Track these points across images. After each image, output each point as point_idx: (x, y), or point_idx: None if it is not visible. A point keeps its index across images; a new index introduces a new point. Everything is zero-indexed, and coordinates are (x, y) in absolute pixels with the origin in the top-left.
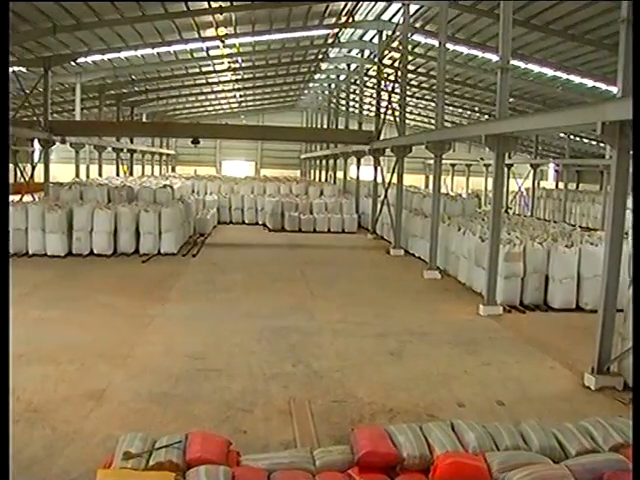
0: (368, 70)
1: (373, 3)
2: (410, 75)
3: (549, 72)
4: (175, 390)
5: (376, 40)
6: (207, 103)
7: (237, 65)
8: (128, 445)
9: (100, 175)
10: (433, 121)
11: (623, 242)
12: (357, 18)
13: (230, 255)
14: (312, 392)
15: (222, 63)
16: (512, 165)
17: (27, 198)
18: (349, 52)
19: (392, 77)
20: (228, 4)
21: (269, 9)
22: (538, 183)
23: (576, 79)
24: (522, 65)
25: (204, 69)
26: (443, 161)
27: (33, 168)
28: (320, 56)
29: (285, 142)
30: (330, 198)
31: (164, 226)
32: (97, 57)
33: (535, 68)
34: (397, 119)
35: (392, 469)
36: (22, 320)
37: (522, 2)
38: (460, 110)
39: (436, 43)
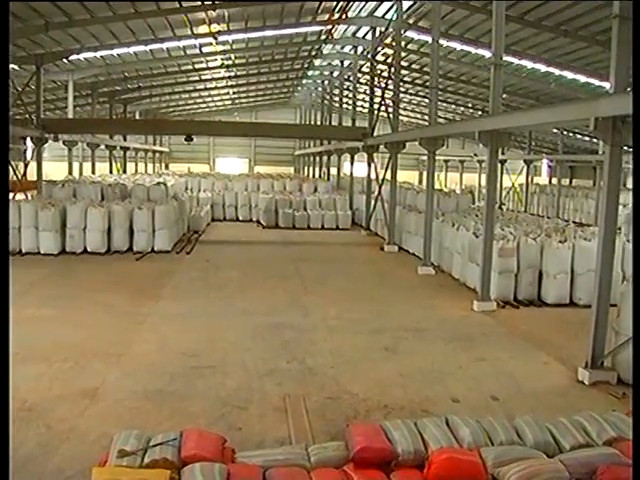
0: (361, 67)
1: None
2: (403, 71)
3: (542, 68)
4: (170, 387)
5: (369, 36)
6: (200, 100)
7: (230, 62)
8: (123, 443)
9: (93, 173)
10: (427, 117)
11: (616, 237)
12: (350, 14)
13: (224, 252)
14: (307, 389)
15: (215, 60)
16: (505, 161)
17: (20, 196)
18: (342, 49)
19: (385, 73)
20: (221, 1)
21: (262, 6)
22: (532, 179)
23: (569, 75)
24: (515, 61)
25: (197, 66)
26: (437, 157)
27: (26, 166)
28: (313, 53)
29: (279, 139)
30: (324, 195)
31: (158, 224)
32: (89, 54)
33: (528, 64)
34: (390, 115)
35: (387, 465)
36: (16, 319)
37: None
38: (453, 106)
39: (429, 39)
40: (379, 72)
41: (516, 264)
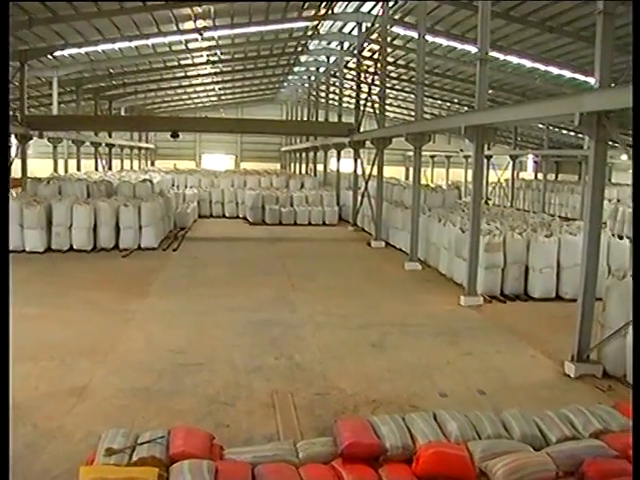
0: (348, 62)
1: None
2: (389, 67)
3: (528, 64)
4: (157, 385)
5: (355, 32)
6: (186, 96)
7: (216, 58)
8: (110, 441)
9: (79, 170)
10: (413, 113)
11: (601, 232)
12: (336, 10)
13: (211, 249)
14: (295, 385)
15: (201, 56)
16: (491, 156)
17: None
18: (328, 44)
19: (372, 69)
20: None
21: (248, 2)
22: (517, 174)
23: (554, 70)
24: (501, 57)
25: (183, 62)
26: (423, 153)
27: (10, 163)
28: (299, 48)
29: (265, 135)
30: (311, 191)
31: (144, 220)
32: (74, 50)
33: (514, 60)
34: (377, 111)
35: (375, 460)
36: None
37: None
38: (440, 102)
39: (415, 35)
40: (365, 68)
41: (502, 259)
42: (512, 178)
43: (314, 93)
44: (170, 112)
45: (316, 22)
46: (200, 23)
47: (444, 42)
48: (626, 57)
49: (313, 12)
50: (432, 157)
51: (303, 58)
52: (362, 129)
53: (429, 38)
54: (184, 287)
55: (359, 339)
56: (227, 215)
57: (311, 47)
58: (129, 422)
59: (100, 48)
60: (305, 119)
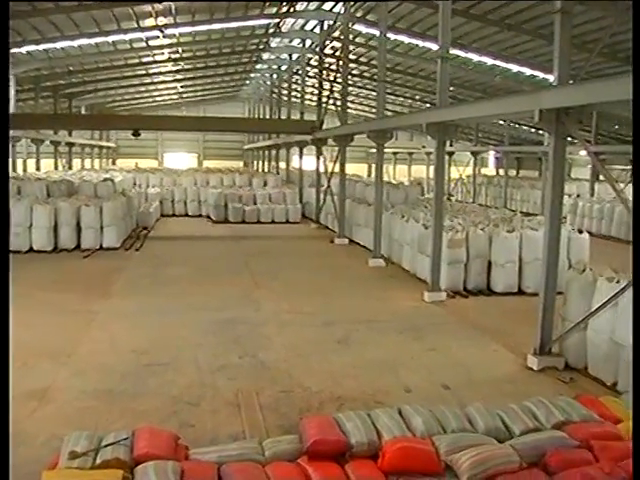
0: (310, 60)
1: None
2: (351, 65)
3: (488, 61)
4: (121, 386)
5: (318, 30)
6: (147, 94)
7: (177, 55)
8: (74, 444)
9: (38, 169)
10: (375, 110)
11: (561, 226)
12: (298, 8)
13: (174, 248)
14: (260, 383)
15: (162, 54)
16: (453, 153)
17: None
18: (290, 42)
19: (334, 67)
20: None
21: (209, 1)
22: (479, 170)
23: (514, 68)
24: (462, 54)
25: (144, 60)
26: (385, 150)
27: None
28: (261, 46)
29: (227, 133)
30: (273, 189)
31: (106, 220)
32: (31, 47)
33: (474, 57)
34: (339, 109)
35: (341, 456)
36: None
37: None
38: (401, 99)
39: (377, 33)
40: (327, 65)
41: (465, 254)
42: (474, 174)
43: (276, 91)
44: (131, 110)
45: (278, 20)
46: (161, 20)
47: (405, 40)
48: (584, 54)
49: (275, 10)
50: (394, 154)
51: (265, 56)
52: (324, 127)
53: (390, 36)
54: (147, 287)
55: (324, 336)
56: (190, 214)
57: (273, 45)
58: (92, 424)
59: (58, 45)
60: (268, 117)
